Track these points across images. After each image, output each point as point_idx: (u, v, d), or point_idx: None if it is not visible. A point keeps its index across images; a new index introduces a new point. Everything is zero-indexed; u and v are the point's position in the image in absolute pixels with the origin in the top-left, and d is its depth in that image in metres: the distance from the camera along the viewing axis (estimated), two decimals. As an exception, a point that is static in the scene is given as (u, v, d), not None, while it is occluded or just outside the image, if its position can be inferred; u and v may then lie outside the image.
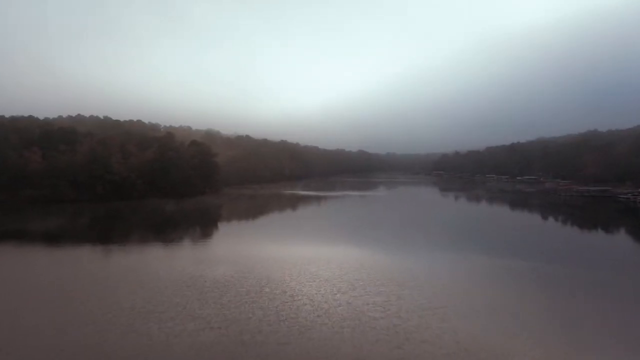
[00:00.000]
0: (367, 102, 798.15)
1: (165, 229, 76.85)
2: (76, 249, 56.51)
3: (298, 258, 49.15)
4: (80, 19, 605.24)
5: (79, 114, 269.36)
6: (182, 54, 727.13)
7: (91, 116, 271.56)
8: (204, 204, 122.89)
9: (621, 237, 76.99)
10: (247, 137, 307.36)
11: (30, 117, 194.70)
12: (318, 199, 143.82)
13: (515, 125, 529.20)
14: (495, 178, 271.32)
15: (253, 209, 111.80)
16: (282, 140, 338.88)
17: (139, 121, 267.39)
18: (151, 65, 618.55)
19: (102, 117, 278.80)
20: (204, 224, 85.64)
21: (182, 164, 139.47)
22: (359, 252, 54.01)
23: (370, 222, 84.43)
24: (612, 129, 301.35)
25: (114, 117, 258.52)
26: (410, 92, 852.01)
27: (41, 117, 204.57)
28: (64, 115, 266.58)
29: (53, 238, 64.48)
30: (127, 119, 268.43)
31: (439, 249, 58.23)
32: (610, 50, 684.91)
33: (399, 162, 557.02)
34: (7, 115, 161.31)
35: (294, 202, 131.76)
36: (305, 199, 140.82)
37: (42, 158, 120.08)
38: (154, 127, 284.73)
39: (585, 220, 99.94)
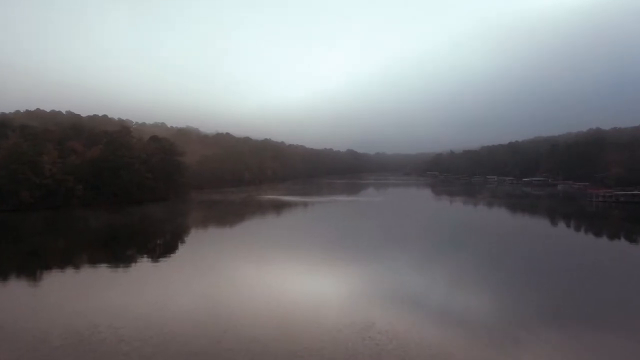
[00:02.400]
0: (355, 97, 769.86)
1: (58, 257, 52.64)
2: None
3: (254, 352, 25.29)
4: (35, 11, 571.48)
5: (38, 109, 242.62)
6: (156, 47, 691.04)
7: (52, 111, 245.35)
8: (153, 214, 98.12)
9: None
10: (227, 134, 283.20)
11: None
12: (300, 205, 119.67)
13: (510, 124, 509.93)
14: (496, 179, 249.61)
15: (212, 223, 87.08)
16: (265, 139, 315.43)
17: (104, 116, 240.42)
18: (124, 60, 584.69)
19: (64, 112, 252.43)
20: (122, 249, 60.34)
21: (136, 164, 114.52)
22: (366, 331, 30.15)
23: (373, 247, 60.14)
24: (614, 127, 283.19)
25: (78, 112, 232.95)
26: (400, 87, 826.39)
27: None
28: (22, 110, 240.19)
29: None
30: (92, 113, 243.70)
31: (491, 306, 34.73)
32: (611, 47, 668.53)
33: (389, 162, 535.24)
34: None
35: (270, 211, 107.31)
36: (285, 206, 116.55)
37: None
38: (123, 123, 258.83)
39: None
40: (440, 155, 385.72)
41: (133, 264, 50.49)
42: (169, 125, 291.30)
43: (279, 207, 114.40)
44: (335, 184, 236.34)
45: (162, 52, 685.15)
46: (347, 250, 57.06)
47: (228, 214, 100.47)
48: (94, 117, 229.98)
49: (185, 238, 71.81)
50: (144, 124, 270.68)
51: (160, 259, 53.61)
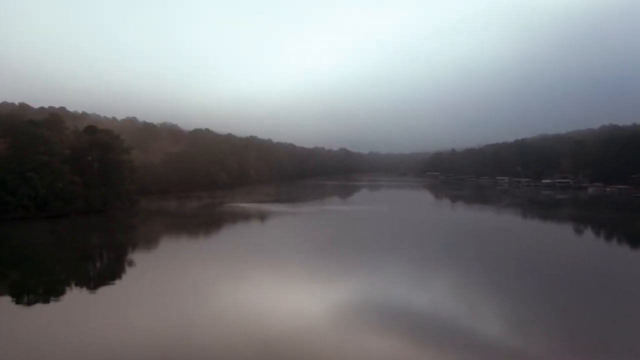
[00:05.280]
0: (346, 92, 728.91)
1: None
2: None
3: None
4: None
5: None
6: (127, 35, 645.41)
7: (4, 102, 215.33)
8: (27, 241, 67.00)
9: None
10: (207, 130, 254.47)
11: None
12: (276, 219, 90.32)
13: (509, 121, 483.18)
14: (507, 181, 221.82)
15: (121, 255, 56.76)
16: (250, 136, 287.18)
17: (61, 108, 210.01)
18: (96, 51, 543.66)
19: (17, 104, 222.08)
20: None
21: (55, 164, 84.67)
22: None
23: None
24: (634, 122, 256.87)
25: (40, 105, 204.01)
26: (394, 83, 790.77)
27: None
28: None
29: None
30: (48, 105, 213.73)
31: None
32: (620, 39, 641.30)
33: (383, 162, 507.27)
34: None
35: (231, 231, 77.34)
36: (253, 221, 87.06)
37: None
38: (86, 117, 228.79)
39: None
40: (439, 155, 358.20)
41: None
42: (140, 120, 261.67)
43: (253, 222, 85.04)
44: (326, 187, 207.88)
45: (140, 43, 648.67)
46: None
47: (155, 237, 69.54)
48: (49, 110, 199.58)
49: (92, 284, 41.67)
50: (114, 119, 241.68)
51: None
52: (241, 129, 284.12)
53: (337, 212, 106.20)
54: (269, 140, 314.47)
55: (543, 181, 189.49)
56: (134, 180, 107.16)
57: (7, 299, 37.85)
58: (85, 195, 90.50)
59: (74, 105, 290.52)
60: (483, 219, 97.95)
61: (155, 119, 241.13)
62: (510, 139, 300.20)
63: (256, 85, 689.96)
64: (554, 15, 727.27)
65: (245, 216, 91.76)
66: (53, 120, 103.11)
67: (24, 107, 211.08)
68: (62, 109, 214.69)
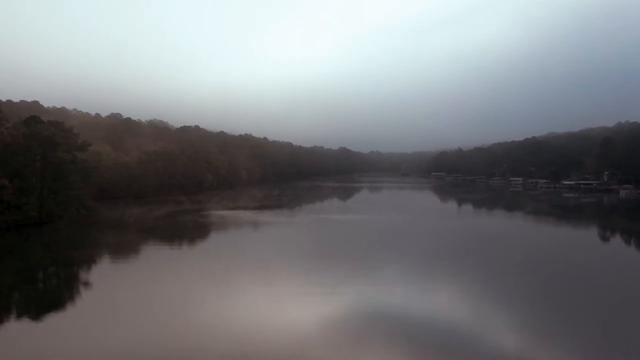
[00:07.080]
0: (345, 86, 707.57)
1: None
2: None
3: None
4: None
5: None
6: (121, 31, 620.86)
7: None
8: None
9: None
10: (196, 127, 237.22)
11: None
12: (258, 233, 71.73)
13: (512, 120, 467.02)
14: (520, 182, 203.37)
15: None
16: (244, 134, 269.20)
17: (34, 102, 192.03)
18: (87, 47, 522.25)
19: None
20: None
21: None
22: None
23: None
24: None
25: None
26: (395, 77, 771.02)
27: None
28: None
29: None
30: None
31: None
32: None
33: (384, 161, 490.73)
34: None
35: (186, 256, 57.10)
36: (229, 237, 68.40)
37: None
38: (65, 113, 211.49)
39: None
40: (444, 154, 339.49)
41: None
42: (124, 116, 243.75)
43: (207, 242, 66.13)
44: (324, 189, 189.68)
45: (135, 42, 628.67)
46: None
47: (72, 272, 47.47)
48: (18, 104, 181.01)
49: None
50: (97, 116, 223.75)
51: None
52: (236, 127, 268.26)
53: (337, 222, 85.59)
54: (265, 139, 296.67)
55: (563, 182, 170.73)
56: (92, 183, 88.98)
57: None
58: (19, 204, 72.10)
59: (60, 101, 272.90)
60: (519, 232, 77.43)
61: (145, 116, 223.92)
62: (518, 137, 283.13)
63: (254, 82, 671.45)
64: (562, 10, 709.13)
65: (217, 229, 73.07)
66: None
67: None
68: (35, 102, 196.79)
